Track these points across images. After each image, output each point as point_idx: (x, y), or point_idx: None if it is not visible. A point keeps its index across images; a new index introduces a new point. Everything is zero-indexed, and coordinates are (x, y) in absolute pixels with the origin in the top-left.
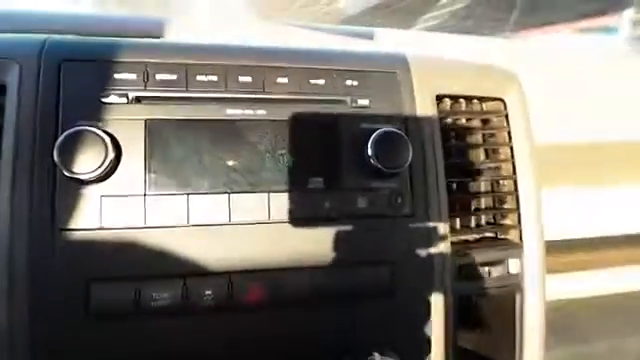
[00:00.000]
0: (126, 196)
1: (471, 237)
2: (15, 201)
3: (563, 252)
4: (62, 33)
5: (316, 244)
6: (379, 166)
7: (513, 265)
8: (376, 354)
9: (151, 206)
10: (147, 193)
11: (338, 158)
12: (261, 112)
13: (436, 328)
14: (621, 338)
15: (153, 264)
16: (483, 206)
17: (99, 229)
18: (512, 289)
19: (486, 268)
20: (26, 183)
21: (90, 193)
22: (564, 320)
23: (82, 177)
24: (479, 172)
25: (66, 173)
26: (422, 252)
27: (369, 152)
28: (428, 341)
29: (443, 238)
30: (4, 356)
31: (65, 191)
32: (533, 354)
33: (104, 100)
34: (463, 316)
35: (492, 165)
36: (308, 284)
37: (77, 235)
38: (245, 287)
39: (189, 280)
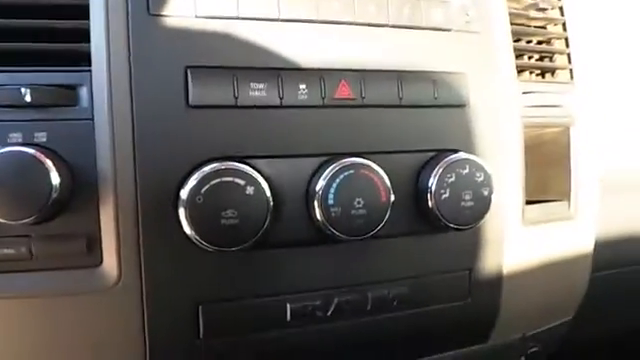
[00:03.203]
0: None
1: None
2: None
3: None
4: None
5: (397, 49)
6: None
7: (567, 100)
8: (461, 152)
9: None
10: None
11: None
12: None
13: (509, 142)
14: None
15: (248, 55)
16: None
17: (194, 17)
18: (567, 122)
19: (546, 97)
20: None
21: None
22: None
23: None
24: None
25: None
26: (491, 66)
27: None
28: (503, 150)
29: (508, 55)
30: (107, 147)
31: None
32: (586, 186)
33: None
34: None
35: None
36: (390, 84)
37: (172, 21)
38: (335, 83)
39: (284, 73)
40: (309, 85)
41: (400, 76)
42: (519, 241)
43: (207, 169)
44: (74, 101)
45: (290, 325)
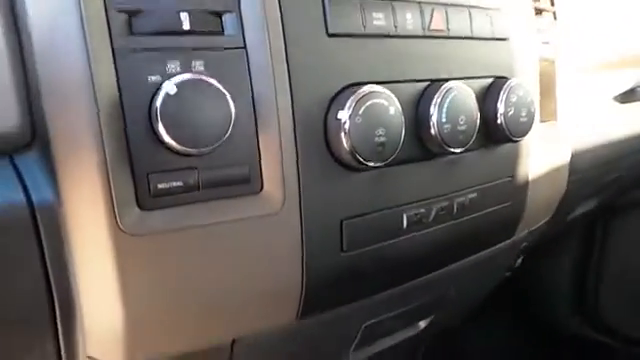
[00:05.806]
0: None
1: None
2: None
3: None
4: None
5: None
6: None
7: (553, 36)
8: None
9: None
10: None
11: None
12: None
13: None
14: None
15: None
16: None
17: None
18: (553, 56)
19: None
20: None
21: None
22: None
23: None
24: None
25: None
26: (523, 7)
27: None
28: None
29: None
30: (265, 76)
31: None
32: (566, 109)
33: None
34: None
35: None
36: (464, 18)
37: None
38: (430, 13)
39: (395, 3)
40: (413, 15)
41: (470, 10)
42: (536, 154)
43: (361, 91)
44: (221, 28)
45: (405, 232)
